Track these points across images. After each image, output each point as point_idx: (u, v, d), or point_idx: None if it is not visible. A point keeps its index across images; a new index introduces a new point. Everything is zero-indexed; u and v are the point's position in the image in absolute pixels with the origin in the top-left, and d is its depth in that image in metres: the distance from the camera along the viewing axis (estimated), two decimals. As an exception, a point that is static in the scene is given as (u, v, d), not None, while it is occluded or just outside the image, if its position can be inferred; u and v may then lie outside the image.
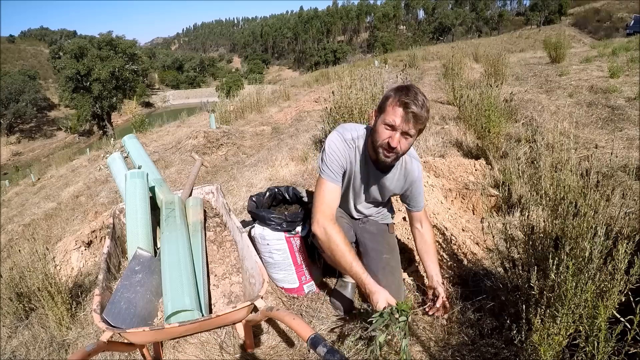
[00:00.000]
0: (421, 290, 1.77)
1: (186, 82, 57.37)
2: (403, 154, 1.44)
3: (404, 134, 1.35)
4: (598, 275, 1.13)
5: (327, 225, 1.43)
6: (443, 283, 1.65)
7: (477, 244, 2.04)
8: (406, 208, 1.73)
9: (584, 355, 1.12)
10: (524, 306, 1.23)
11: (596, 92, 5.01)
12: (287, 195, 2.00)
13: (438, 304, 1.56)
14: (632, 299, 1.02)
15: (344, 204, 1.70)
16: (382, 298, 1.32)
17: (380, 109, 1.39)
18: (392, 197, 1.83)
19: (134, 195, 1.78)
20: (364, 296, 1.75)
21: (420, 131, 1.41)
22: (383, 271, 1.65)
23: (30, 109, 35.38)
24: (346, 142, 1.50)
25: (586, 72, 6.32)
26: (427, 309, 1.60)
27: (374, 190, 1.62)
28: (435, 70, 9.28)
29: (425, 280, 1.75)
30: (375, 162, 1.50)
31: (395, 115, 1.33)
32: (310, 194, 1.80)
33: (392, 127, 1.34)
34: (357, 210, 1.73)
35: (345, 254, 1.41)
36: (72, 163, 10.53)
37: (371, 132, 1.45)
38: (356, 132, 1.53)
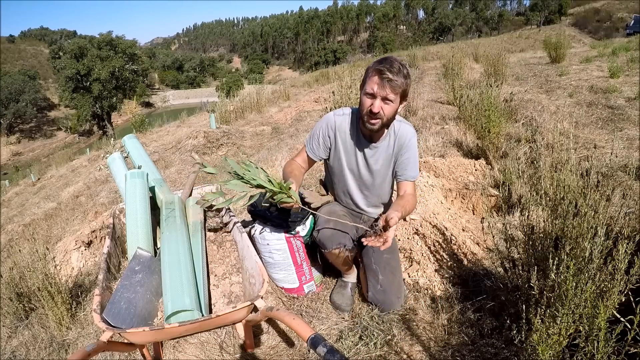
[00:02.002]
0: (420, 289, 1.77)
1: (186, 82, 57.36)
2: (389, 120, 1.50)
3: (384, 99, 1.44)
4: (598, 275, 1.13)
5: (285, 165, 1.70)
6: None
7: (477, 244, 2.04)
8: (396, 179, 1.65)
9: (584, 355, 1.11)
10: (524, 306, 1.22)
11: (596, 92, 5.00)
12: (287, 195, 2.00)
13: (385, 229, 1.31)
14: (632, 299, 1.02)
15: (345, 192, 1.73)
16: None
17: (363, 82, 1.49)
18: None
19: (134, 195, 1.77)
20: (364, 296, 1.75)
21: (403, 97, 1.48)
22: (384, 271, 1.65)
23: (30, 109, 35.37)
24: (336, 115, 1.64)
25: (586, 72, 6.32)
26: (367, 238, 1.32)
27: (373, 163, 1.64)
28: (435, 70, 9.27)
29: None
30: (369, 136, 1.59)
31: (372, 82, 1.43)
32: (311, 194, 1.81)
33: (372, 95, 1.44)
34: (364, 196, 1.73)
35: (284, 174, 1.62)
36: (72, 163, 10.54)
37: (359, 105, 1.54)
38: (348, 109, 1.66)
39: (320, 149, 1.66)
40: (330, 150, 1.67)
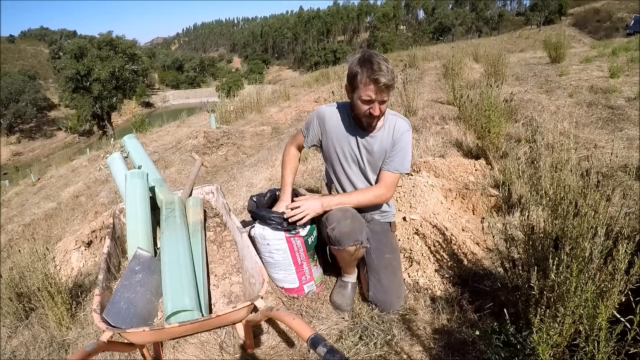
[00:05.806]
0: (421, 290, 1.77)
1: (186, 82, 57.32)
2: (383, 113, 1.57)
3: (380, 101, 1.49)
4: (598, 275, 1.13)
5: (288, 148, 1.85)
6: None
7: (477, 244, 2.04)
8: (380, 169, 1.70)
9: (584, 355, 1.11)
10: (524, 306, 1.23)
11: (596, 92, 5.00)
12: (287, 195, 2.00)
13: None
14: (632, 299, 1.02)
15: (341, 179, 1.76)
16: (283, 205, 1.74)
17: (352, 86, 1.51)
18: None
19: (134, 195, 1.77)
20: (364, 296, 1.75)
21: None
22: (385, 270, 1.65)
23: (30, 109, 35.36)
24: (329, 106, 1.72)
25: (586, 72, 6.31)
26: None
27: (364, 152, 1.67)
28: (435, 70, 9.27)
29: None
30: (362, 127, 1.62)
31: (369, 91, 1.45)
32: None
33: (369, 101, 1.48)
34: (352, 184, 1.74)
35: (284, 167, 1.83)
36: (72, 163, 10.54)
37: (351, 105, 1.59)
38: (341, 102, 1.72)
39: (310, 137, 1.75)
40: (321, 138, 1.74)
